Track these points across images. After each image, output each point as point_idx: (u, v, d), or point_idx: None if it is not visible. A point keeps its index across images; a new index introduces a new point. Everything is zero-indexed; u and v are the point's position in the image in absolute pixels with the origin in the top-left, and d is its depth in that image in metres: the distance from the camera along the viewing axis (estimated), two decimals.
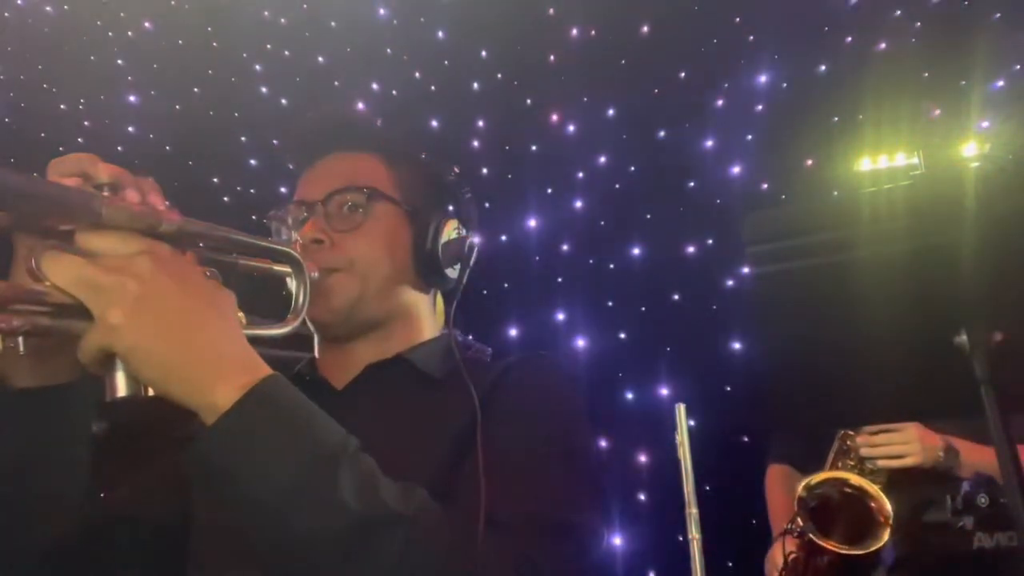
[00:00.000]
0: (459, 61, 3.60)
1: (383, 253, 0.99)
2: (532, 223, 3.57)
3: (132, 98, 3.45)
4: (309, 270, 0.88)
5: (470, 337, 1.09)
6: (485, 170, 3.56)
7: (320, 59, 3.61)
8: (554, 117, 3.61)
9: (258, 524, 0.65)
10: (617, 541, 3.14)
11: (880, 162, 2.60)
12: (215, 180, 3.45)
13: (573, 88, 3.57)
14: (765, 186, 3.34)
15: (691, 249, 3.37)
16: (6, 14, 3.29)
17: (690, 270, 3.31)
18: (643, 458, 3.19)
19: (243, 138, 3.51)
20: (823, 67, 3.30)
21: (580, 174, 3.57)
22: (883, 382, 1.05)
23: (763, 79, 3.38)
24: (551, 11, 3.51)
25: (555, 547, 0.75)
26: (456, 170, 1.13)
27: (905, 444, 1.76)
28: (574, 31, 3.58)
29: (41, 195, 0.60)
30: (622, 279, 3.41)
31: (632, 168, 3.50)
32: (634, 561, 3.12)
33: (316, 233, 0.96)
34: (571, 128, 3.59)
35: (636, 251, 3.42)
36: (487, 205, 3.50)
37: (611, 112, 3.56)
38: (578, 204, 3.53)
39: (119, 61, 3.43)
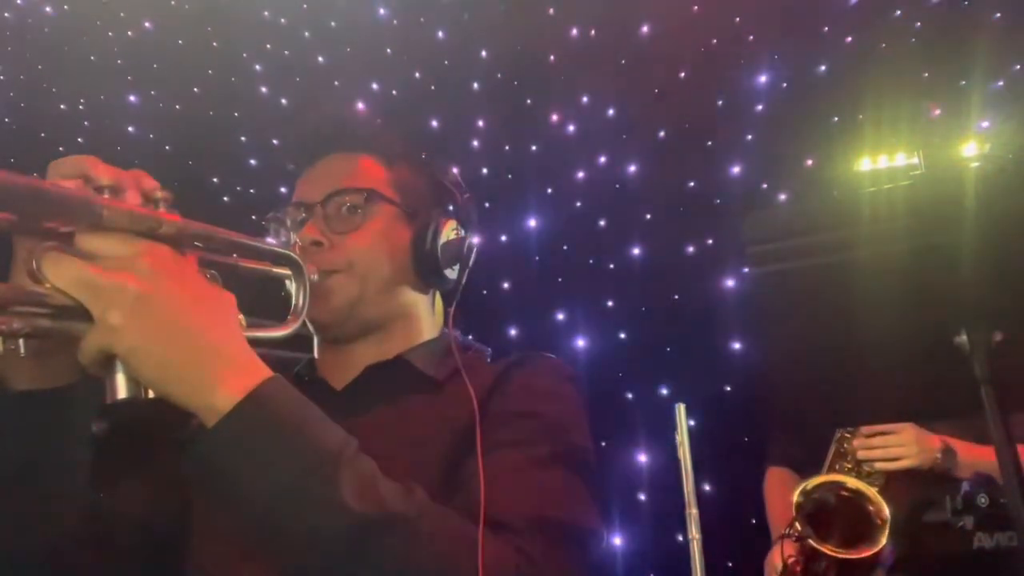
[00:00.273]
0: (459, 61, 3.60)
1: (382, 254, 0.99)
2: (532, 223, 3.57)
3: (132, 98, 3.44)
4: (308, 272, 0.88)
5: (470, 337, 1.09)
6: (485, 170, 3.56)
7: (320, 59, 3.61)
8: (554, 117, 3.60)
9: (259, 525, 0.65)
10: (617, 541, 3.14)
11: (880, 162, 2.59)
12: (215, 180, 3.45)
13: (573, 88, 3.57)
14: (765, 186, 3.33)
15: (691, 249, 3.36)
16: (6, 14, 3.29)
17: (690, 270, 3.31)
18: (643, 458, 3.18)
19: (243, 138, 3.51)
20: (823, 67, 3.29)
21: (580, 174, 3.57)
22: (883, 382, 1.05)
23: (763, 79, 3.37)
24: (551, 11, 3.51)
25: (555, 547, 0.75)
26: (455, 170, 1.13)
27: (901, 446, 1.75)
28: (574, 31, 3.58)
29: (41, 197, 0.60)
30: (622, 279, 3.41)
31: (632, 168, 3.50)
32: (634, 561, 3.12)
33: (315, 235, 0.97)
34: (571, 128, 3.59)
35: (636, 251, 3.42)
36: (487, 205, 3.50)
37: (611, 112, 3.56)
38: (578, 204, 3.53)
39: (119, 61, 3.42)
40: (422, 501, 0.70)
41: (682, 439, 2.07)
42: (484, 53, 3.60)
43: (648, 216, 3.45)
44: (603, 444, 3.22)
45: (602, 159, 3.55)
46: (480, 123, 3.65)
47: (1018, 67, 2.98)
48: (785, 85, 3.34)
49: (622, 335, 3.39)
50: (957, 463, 1.71)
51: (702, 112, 3.38)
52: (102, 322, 0.61)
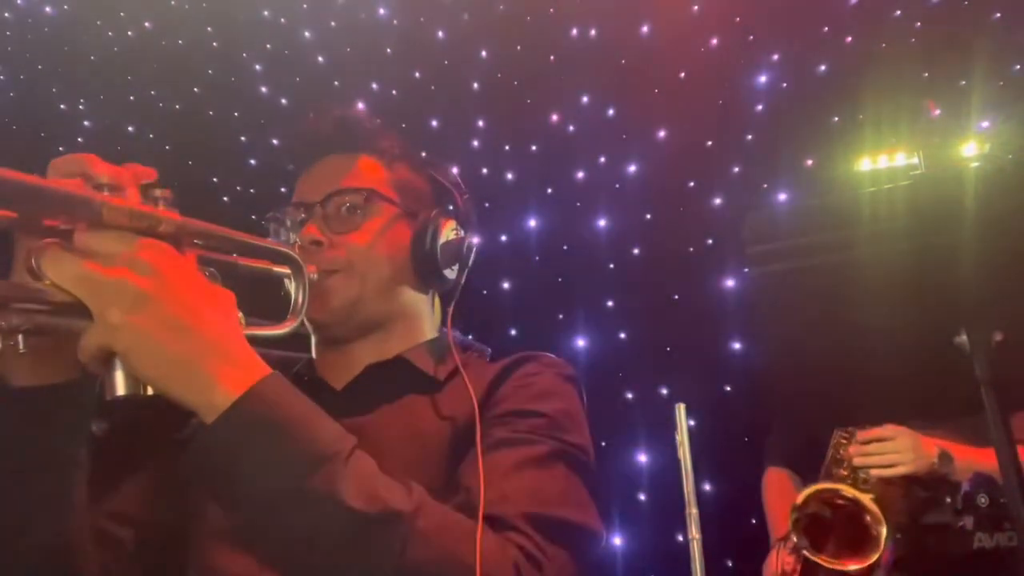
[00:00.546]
0: (459, 61, 3.60)
1: (382, 254, 1.00)
2: (532, 223, 3.56)
3: (132, 98, 3.44)
4: (308, 271, 0.88)
5: (470, 337, 1.09)
6: (485, 170, 3.56)
7: (320, 59, 3.61)
8: (554, 117, 3.60)
9: (258, 523, 0.65)
10: (617, 541, 3.14)
11: (880, 162, 2.59)
12: (215, 180, 3.45)
13: (573, 88, 3.57)
14: (765, 186, 3.33)
15: (691, 249, 3.36)
16: (6, 14, 3.29)
17: (690, 270, 3.31)
18: (643, 458, 3.18)
19: (243, 138, 3.51)
20: (823, 67, 3.29)
21: (580, 174, 3.57)
22: (883, 382, 1.05)
23: (763, 79, 3.37)
24: (551, 11, 3.51)
25: (554, 545, 0.75)
26: (455, 170, 1.13)
27: (897, 452, 1.74)
28: (574, 31, 3.58)
29: (41, 195, 0.60)
30: (622, 279, 3.41)
31: (632, 168, 3.50)
32: (634, 561, 3.12)
33: (315, 234, 0.97)
34: (571, 128, 3.59)
35: (636, 251, 3.42)
36: (487, 205, 3.50)
37: (611, 112, 3.56)
38: (578, 204, 3.53)
39: (119, 61, 3.42)
40: (421, 499, 0.70)
41: (682, 439, 2.07)
42: (484, 53, 3.60)
43: (648, 216, 3.45)
44: (603, 444, 3.22)
45: (602, 159, 3.55)
46: (480, 123, 3.65)
47: (1018, 67, 2.98)
48: (785, 85, 3.34)
49: (622, 335, 3.39)
50: (954, 468, 1.70)
51: (702, 112, 3.38)
52: (101, 319, 0.61)
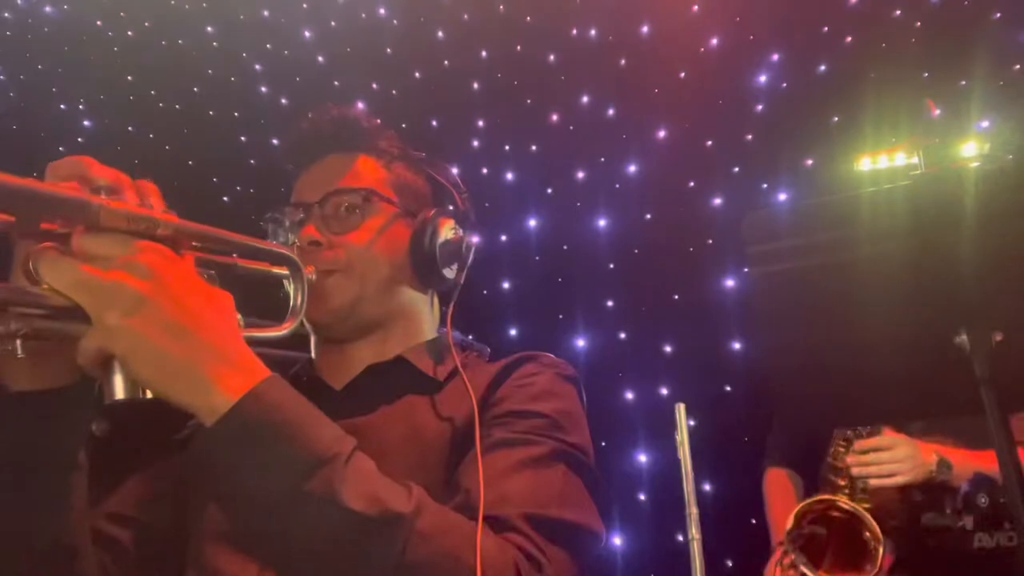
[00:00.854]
0: (459, 61, 3.60)
1: (381, 254, 0.99)
2: (532, 223, 3.56)
3: (132, 98, 3.44)
4: (307, 272, 0.88)
5: (470, 337, 1.09)
6: (485, 170, 3.56)
7: (320, 59, 3.61)
8: (554, 117, 3.60)
9: (257, 525, 0.65)
10: (617, 541, 3.14)
11: (880, 162, 2.59)
12: (215, 180, 3.45)
13: (573, 88, 3.57)
14: (765, 186, 3.33)
15: (691, 249, 3.36)
16: (6, 14, 3.29)
17: (690, 270, 3.31)
18: (643, 458, 3.18)
19: (243, 138, 3.51)
20: (823, 67, 3.29)
21: (580, 174, 3.57)
22: (883, 382, 1.05)
23: (763, 79, 3.37)
24: (551, 11, 3.51)
25: (554, 545, 0.75)
26: (455, 170, 1.13)
27: (895, 462, 1.74)
28: (574, 31, 3.58)
29: (38, 198, 0.60)
30: (622, 279, 3.41)
31: (632, 168, 3.50)
32: (634, 561, 3.12)
33: (313, 235, 0.97)
34: (571, 128, 3.59)
35: (636, 251, 3.42)
36: (487, 205, 3.49)
37: (611, 112, 3.56)
38: (578, 204, 3.53)
39: (119, 61, 3.42)
40: (421, 500, 0.70)
41: (682, 439, 2.07)
42: (484, 53, 3.60)
43: (648, 216, 3.45)
44: (603, 444, 3.22)
45: (602, 159, 3.55)
46: (480, 123, 3.65)
47: (1018, 67, 2.98)
48: (785, 85, 3.34)
49: (622, 335, 3.39)
50: (953, 475, 1.70)
51: (702, 112, 3.38)
52: (100, 323, 0.61)
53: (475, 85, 3.63)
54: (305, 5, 3.58)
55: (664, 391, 3.22)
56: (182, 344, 0.63)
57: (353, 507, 0.64)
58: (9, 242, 0.67)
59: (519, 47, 3.58)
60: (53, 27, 3.33)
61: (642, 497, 3.17)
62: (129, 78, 3.45)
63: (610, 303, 3.44)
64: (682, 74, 3.43)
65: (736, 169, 3.34)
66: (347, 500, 0.64)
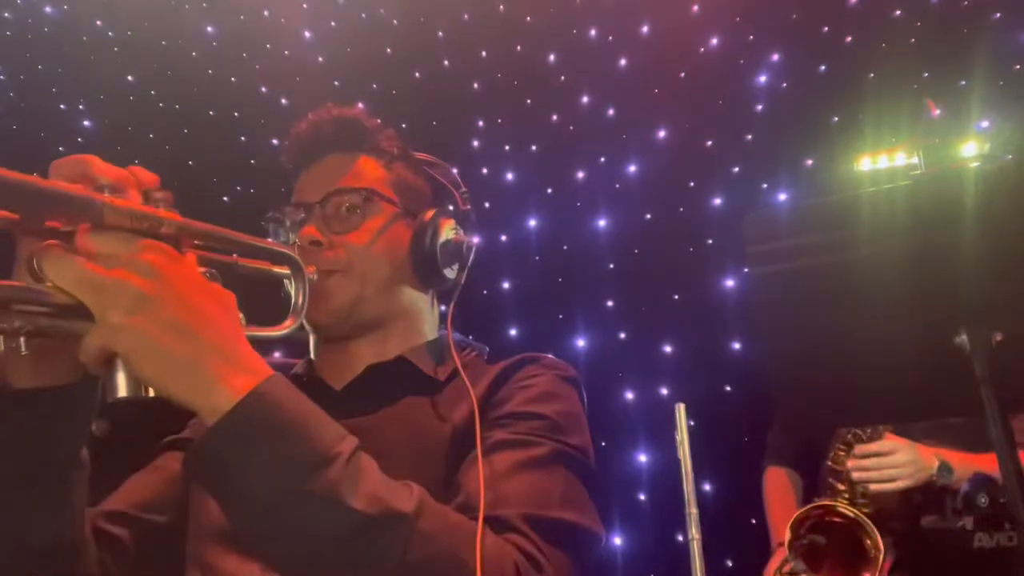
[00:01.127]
0: (459, 61, 3.60)
1: (381, 254, 1.00)
2: (532, 223, 3.57)
3: (132, 98, 3.44)
4: (308, 272, 0.88)
5: (470, 337, 1.09)
6: (485, 170, 3.56)
7: (320, 59, 3.61)
8: (554, 117, 3.60)
9: (259, 523, 0.65)
10: (617, 541, 3.14)
11: (880, 162, 2.59)
12: (215, 180, 3.45)
13: (573, 88, 3.57)
14: (765, 186, 3.33)
15: (691, 249, 3.36)
16: (6, 14, 3.29)
17: (690, 270, 3.31)
18: (643, 458, 3.18)
19: (243, 138, 3.51)
20: (823, 67, 3.29)
21: (580, 174, 3.57)
22: (883, 382, 1.05)
23: (763, 79, 3.37)
24: (551, 11, 3.51)
25: (554, 546, 0.76)
26: (455, 170, 1.13)
27: (896, 467, 1.74)
28: (574, 31, 3.58)
29: (42, 196, 0.60)
30: (622, 279, 3.41)
31: (632, 168, 3.50)
32: (634, 561, 3.12)
33: (314, 234, 0.97)
34: (571, 128, 3.59)
35: (636, 251, 3.42)
36: (487, 205, 3.49)
37: (611, 112, 3.56)
38: (578, 204, 3.53)
39: (119, 61, 3.42)
40: (422, 499, 0.70)
41: (682, 439, 2.07)
42: (484, 53, 3.59)
43: (648, 216, 3.45)
44: (603, 444, 3.22)
45: (602, 159, 3.55)
46: (480, 123, 3.65)
47: (1018, 67, 2.98)
48: (785, 85, 3.34)
49: (622, 335, 3.39)
50: (953, 479, 1.69)
51: (702, 112, 3.38)
52: (103, 321, 0.61)
53: (475, 85, 3.63)
54: (305, 5, 3.57)
55: (664, 391, 3.22)
56: (185, 343, 0.63)
57: (355, 506, 0.64)
58: (12, 240, 0.67)
59: (519, 47, 3.58)
60: (53, 27, 3.33)
61: (642, 497, 3.17)
62: (129, 78, 3.45)
63: (610, 303, 3.44)
64: (682, 74, 3.43)
65: (736, 169, 3.34)
66: (349, 499, 0.64)
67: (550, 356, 1.00)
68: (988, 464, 1.63)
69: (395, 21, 3.57)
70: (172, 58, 3.45)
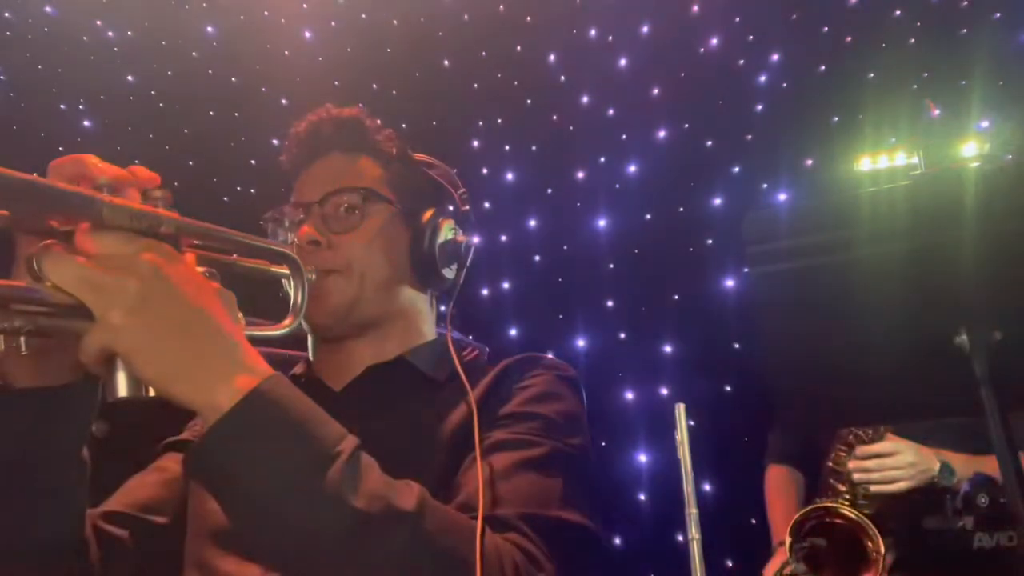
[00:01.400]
0: (459, 61, 3.60)
1: (380, 254, 1.00)
2: (532, 223, 3.57)
3: (132, 98, 3.44)
4: (306, 271, 0.88)
5: (470, 337, 1.09)
6: (485, 170, 3.56)
7: (320, 59, 3.61)
8: (554, 117, 3.60)
9: (260, 522, 0.65)
10: (617, 541, 3.14)
11: (880, 162, 2.59)
12: (215, 180, 3.45)
13: (573, 88, 3.57)
14: (765, 186, 3.33)
15: (691, 249, 3.36)
16: (6, 14, 3.29)
17: (690, 270, 3.31)
18: (643, 458, 3.18)
19: (243, 138, 3.51)
20: (823, 67, 3.29)
21: (580, 174, 3.57)
22: (883, 382, 1.05)
23: (763, 79, 3.37)
24: (551, 11, 3.51)
25: (554, 545, 0.76)
26: (454, 170, 1.13)
27: (897, 468, 1.73)
28: (574, 31, 3.58)
29: (42, 194, 0.60)
30: (622, 279, 3.41)
31: (632, 168, 3.50)
32: (634, 561, 3.12)
33: (313, 234, 0.97)
34: (571, 128, 3.59)
35: (636, 251, 3.42)
36: (487, 205, 3.50)
37: (611, 112, 3.56)
38: (578, 204, 3.53)
39: (119, 61, 3.42)
40: (423, 498, 0.70)
41: (682, 439, 2.07)
42: (484, 53, 3.60)
43: (648, 216, 3.45)
44: (603, 444, 3.22)
45: (602, 159, 3.55)
46: (480, 123, 3.65)
47: (1018, 67, 2.98)
48: (785, 85, 3.34)
49: (622, 335, 3.39)
50: (955, 480, 1.69)
51: (702, 112, 3.38)
52: (103, 320, 0.61)
53: (475, 85, 3.63)
54: (305, 5, 3.58)
55: (664, 391, 3.22)
56: (185, 342, 0.63)
57: (356, 505, 0.64)
58: (12, 240, 0.67)
59: (519, 47, 3.58)
60: (53, 27, 3.33)
61: (642, 497, 3.17)
62: (129, 78, 3.45)
63: (610, 303, 3.44)
64: (682, 74, 3.43)
65: (736, 169, 3.34)
66: (350, 498, 0.64)
67: (550, 356, 1.00)
68: (989, 466, 1.62)
69: (395, 21, 3.57)
70: (172, 58, 3.45)
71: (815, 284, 1.00)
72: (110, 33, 3.44)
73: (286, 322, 0.84)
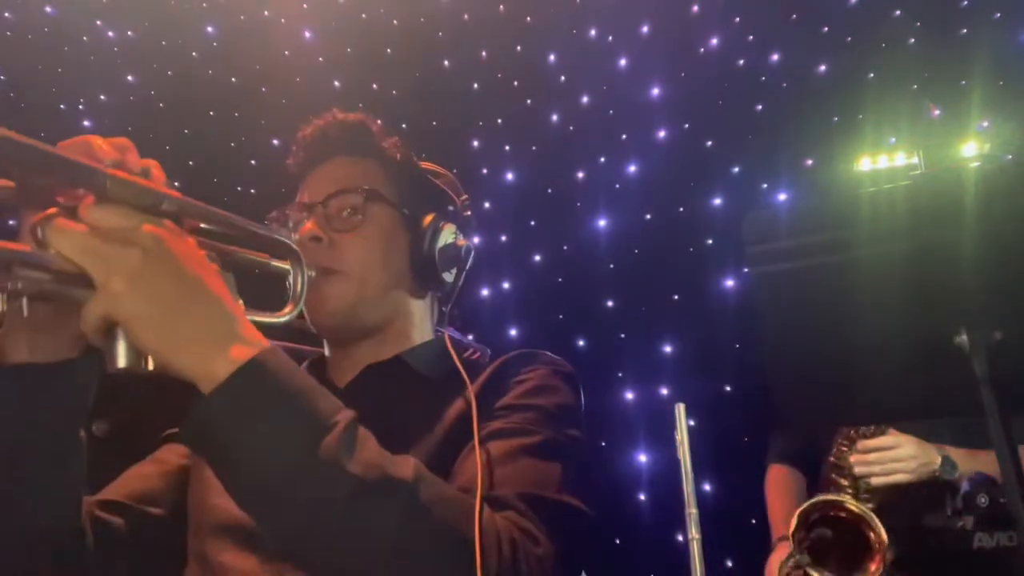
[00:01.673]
0: (459, 61, 3.60)
1: (380, 255, 1.01)
2: (532, 223, 3.57)
3: (132, 98, 3.44)
4: (307, 268, 0.89)
5: (470, 337, 1.10)
6: (485, 170, 3.56)
7: (320, 59, 3.61)
8: (554, 117, 3.60)
9: (257, 490, 0.65)
10: (617, 541, 3.14)
11: (880, 162, 2.59)
12: (215, 180, 3.45)
13: (573, 88, 3.57)
14: (765, 186, 3.33)
15: (691, 249, 3.36)
16: (6, 14, 3.29)
17: (690, 270, 3.31)
18: (643, 458, 3.18)
19: (243, 138, 3.51)
20: (823, 67, 3.29)
21: (580, 174, 3.57)
22: (883, 382, 1.05)
23: (763, 79, 3.37)
24: (551, 11, 3.51)
25: (549, 524, 0.77)
26: (454, 172, 1.14)
27: (898, 461, 1.74)
28: (574, 31, 3.58)
29: (48, 162, 0.60)
30: (622, 279, 3.41)
31: (632, 168, 3.50)
32: (634, 561, 3.12)
33: (314, 231, 0.98)
34: (571, 128, 3.59)
35: (636, 251, 3.42)
36: (487, 205, 3.50)
37: (611, 112, 3.56)
38: (578, 204, 3.53)
39: (119, 61, 3.42)
40: (421, 471, 0.70)
41: (682, 439, 2.07)
42: (484, 53, 3.60)
43: (648, 216, 3.45)
44: (603, 444, 3.22)
45: (602, 159, 3.55)
46: (480, 123, 3.65)
47: (1018, 67, 2.98)
48: (785, 85, 3.34)
49: (622, 335, 3.39)
50: (957, 474, 1.69)
51: (702, 112, 3.38)
52: (104, 288, 0.61)
53: (475, 85, 3.63)
54: (305, 5, 3.58)
55: (664, 391, 3.22)
56: (185, 312, 0.64)
57: (355, 472, 0.64)
58: (18, 211, 0.67)
59: (519, 47, 3.58)
60: (53, 27, 3.33)
61: (642, 497, 3.17)
62: (129, 78, 3.45)
63: (610, 303, 3.44)
64: (682, 74, 3.44)
65: (736, 169, 3.34)
66: (348, 465, 0.64)
67: (547, 353, 1.00)
68: (990, 460, 1.62)
69: (395, 21, 3.57)
70: (172, 58, 3.45)
71: (815, 284, 1.00)
72: (110, 33, 3.44)
73: (286, 310, 0.84)
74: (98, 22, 3.41)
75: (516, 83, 3.61)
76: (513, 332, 3.44)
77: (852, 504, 1.74)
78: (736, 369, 3.13)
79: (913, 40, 3.11)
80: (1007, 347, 0.93)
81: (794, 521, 1.74)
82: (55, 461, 0.75)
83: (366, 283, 0.99)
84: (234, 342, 0.65)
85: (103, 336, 0.64)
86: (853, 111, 3.09)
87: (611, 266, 3.45)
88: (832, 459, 1.90)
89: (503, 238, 3.56)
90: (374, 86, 3.59)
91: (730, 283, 3.25)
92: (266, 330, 0.73)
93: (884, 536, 1.65)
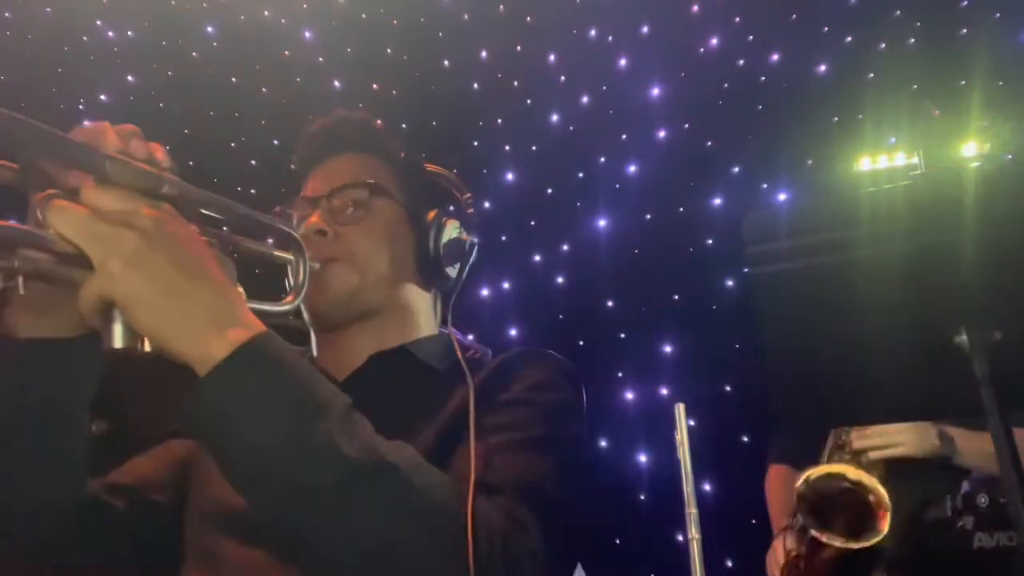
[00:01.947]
0: (459, 61, 3.60)
1: (383, 248, 1.01)
2: (532, 223, 3.57)
3: (132, 98, 3.44)
4: (310, 259, 0.89)
5: (471, 337, 1.10)
6: (485, 170, 3.56)
7: (320, 59, 3.61)
8: (554, 117, 3.60)
9: (253, 472, 0.65)
10: (617, 541, 3.14)
11: (880, 162, 2.59)
12: (215, 180, 3.45)
13: (573, 88, 3.57)
14: (765, 186, 3.33)
15: (691, 249, 3.36)
16: (6, 14, 3.29)
17: (690, 270, 3.31)
18: (643, 458, 3.18)
19: (243, 138, 3.51)
20: (823, 67, 3.29)
21: (580, 174, 3.57)
22: (883, 382, 1.05)
23: (763, 79, 3.37)
24: (551, 11, 3.51)
25: (539, 513, 0.77)
26: (455, 171, 1.15)
27: (898, 434, 1.76)
28: (574, 31, 3.58)
29: (50, 140, 0.61)
30: (622, 279, 3.41)
31: (632, 168, 3.50)
32: (634, 561, 3.12)
33: (319, 223, 0.98)
34: (571, 128, 3.59)
35: (636, 251, 3.42)
36: (487, 205, 3.50)
37: (611, 111, 3.56)
38: (578, 204, 3.53)
39: (119, 61, 3.42)
40: (415, 456, 0.71)
41: (682, 439, 2.07)
42: (484, 53, 3.60)
43: (648, 216, 3.45)
44: (603, 444, 3.22)
45: (602, 159, 3.55)
46: (480, 123, 3.65)
47: (1018, 67, 2.98)
48: (785, 85, 3.34)
49: (622, 335, 3.39)
50: (956, 450, 1.70)
51: (702, 112, 3.38)
52: (102, 269, 0.61)
53: (475, 85, 3.63)
54: (305, 5, 3.58)
55: (664, 391, 3.22)
56: (182, 294, 0.64)
57: (349, 453, 0.64)
58: (24, 195, 0.68)
59: (519, 47, 3.58)
60: (53, 27, 3.33)
61: (642, 497, 3.17)
62: (129, 78, 3.45)
63: (610, 303, 3.44)
64: (682, 74, 3.44)
65: (736, 169, 3.34)
66: (342, 447, 0.64)
67: (550, 351, 1.00)
68: (988, 441, 1.63)
69: (395, 21, 3.57)
70: (172, 58, 3.45)
71: (815, 284, 1.00)
72: (110, 33, 3.44)
73: (288, 299, 0.84)
74: (98, 22, 3.41)
75: (516, 83, 3.61)
76: (513, 332, 3.44)
77: (854, 472, 1.74)
78: (736, 369, 3.13)
79: (913, 40, 3.11)
80: (1007, 347, 0.93)
81: (798, 484, 1.74)
82: (58, 438, 0.75)
83: (368, 270, 0.99)
84: (231, 325, 0.66)
85: (101, 317, 0.64)
86: (853, 111, 3.10)
87: (611, 266, 3.45)
88: (831, 440, 1.91)
89: (503, 238, 3.56)
90: (374, 86, 3.59)
91: (730, 283, 3.25)
92: None
93: (886, 499, 1.65)
